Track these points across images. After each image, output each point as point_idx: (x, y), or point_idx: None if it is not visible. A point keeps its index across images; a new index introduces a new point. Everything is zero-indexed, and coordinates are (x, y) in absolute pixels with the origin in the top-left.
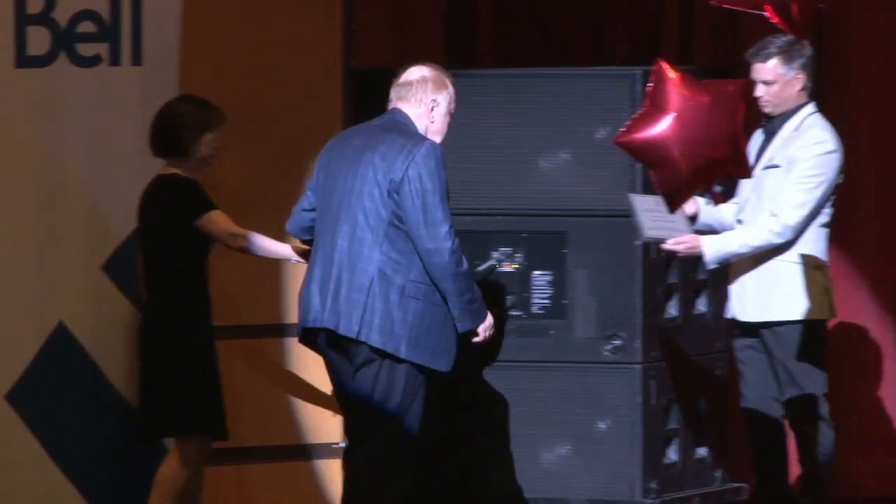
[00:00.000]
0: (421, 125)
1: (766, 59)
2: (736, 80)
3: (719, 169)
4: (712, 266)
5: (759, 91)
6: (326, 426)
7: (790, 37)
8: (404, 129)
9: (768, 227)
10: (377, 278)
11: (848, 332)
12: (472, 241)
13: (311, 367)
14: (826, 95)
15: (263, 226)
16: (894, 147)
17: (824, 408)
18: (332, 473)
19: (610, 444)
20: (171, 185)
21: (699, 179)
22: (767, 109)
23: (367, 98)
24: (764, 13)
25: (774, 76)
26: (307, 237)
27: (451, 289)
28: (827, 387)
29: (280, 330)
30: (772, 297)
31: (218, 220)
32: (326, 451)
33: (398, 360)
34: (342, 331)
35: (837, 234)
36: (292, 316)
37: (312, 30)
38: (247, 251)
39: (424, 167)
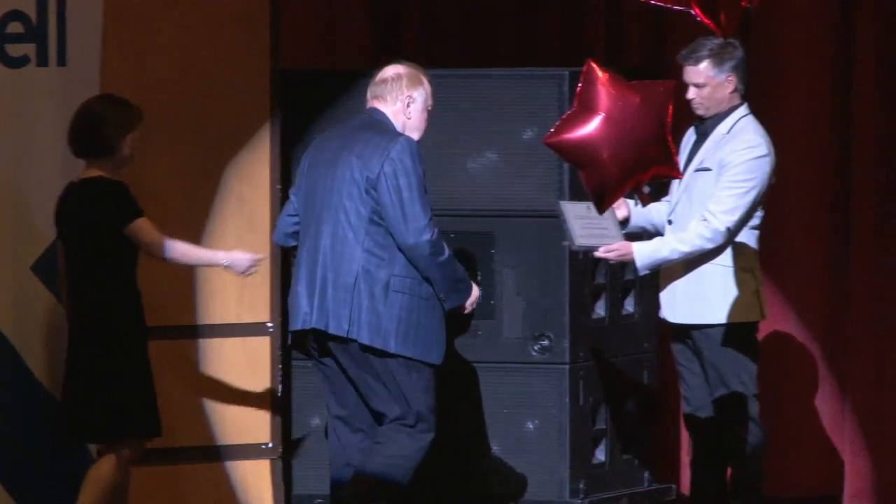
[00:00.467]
0: (398, 122)
1: (696, 61)
2: (665, 81)
3: (649, 170)
4: (644, 273)
5: (691, 94)
6: (255, 427)
7: (721, 39)
8: (380, 127)
9: (700, 232)
10: (361, 275)
11: (778, 334)
12: None
13: (241, 368)
14: (753, 95)
15: (193, 227)
16: (822, 148)
17: (754, 409)
18: (260, 473)
19: (538, 445)
20: (100, 188)
21: (628, 180)
22: (700, 112)
23: (295, 98)
24: (691, 10)
25: (705, 79)
26: (292, 243)
27: (436, 277)
28: (757, 388)
29: (208, 330)
30: (702, 300)
31: (145, 228)
32: (255, 451)
33: (391, 356)
34: (332, 330)
35: (768, 235)
36: (220, 316)
37: (239, 30)
38: (169, 260)
39: (400, 163)
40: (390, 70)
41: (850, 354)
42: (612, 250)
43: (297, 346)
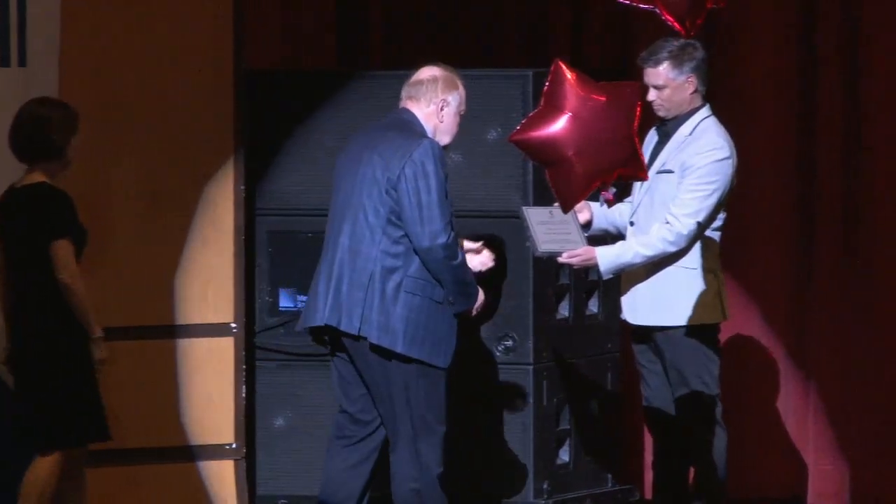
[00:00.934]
0: (430, 124)
1: (656, 63)
2: (633, 82)
3: (614, 170)
4: (608, 277)
5: (652, 95)
6: (219, 427)
7: (682, 40)
8: (406, 128)
9: (662, 236)
10: (377, 274)
11: (742, 334)
12: None
13: (204, 368)
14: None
15: (157, 226)
16: (784, 148)
17: (717, 410)
18: (224, 474)
19: (502, 445)
20: (43, 196)
21: (593, 180)
22: (661, 113)
23: (260, 98)
24: (655, 9)
25: (665, 80)
26: None
27: (448, 279)
28: (719, 389)
29: (172, 331)
30: (665, 301)
31: (60, 253)
32: (219, 451)
33: (400, 357)
34: (343, 327)
35: (732, 236)
36: (184, 317)
37: (202, 30)
38: (65, 290)
39: (421, 166)
40: (426, 72)
41: (813, 355)
42: (576, 255)
43: (315, 341)
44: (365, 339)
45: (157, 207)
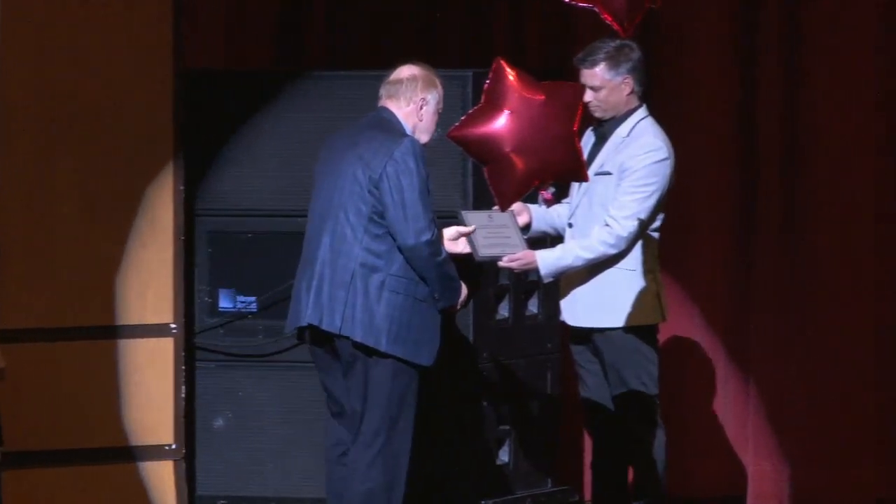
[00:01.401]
0: (409, 123)
1: (592, 64)
2: (574, 83)
3: (553, 169)
4: (548, 280)
5: (588, 96)
6: (159, 428)
7: (618, 41)
8: (386, 127)
9: (603, 238)
10: (358, 273)
11: (682, 335)
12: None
13: (144, 369)
14: (658, 97)
15: (96, 227)
16: (726, 149)
17: (655, 409)
18: (164, 474)
19: (442, 445)
20: None
21: (532, 178)
22: (597, 114)
23: (199, 98)
24: (594, 8)
25: (601, 81)
26: None
27: (433, 276)
28: (658, 388)
29: (111, 331)
30: (605, 303)
31: None
32: (159, 452)
33: (381, 355)
34: (325, 326)
35: (671, 237)
36: (123, 317)
37: (141, 30)
38: None
39: (403, 164)
40: (406, 71)
41: (753, 356)
42: (516, 259)
43: (301, 340)
44: (347, 337)
45: (97, 208)
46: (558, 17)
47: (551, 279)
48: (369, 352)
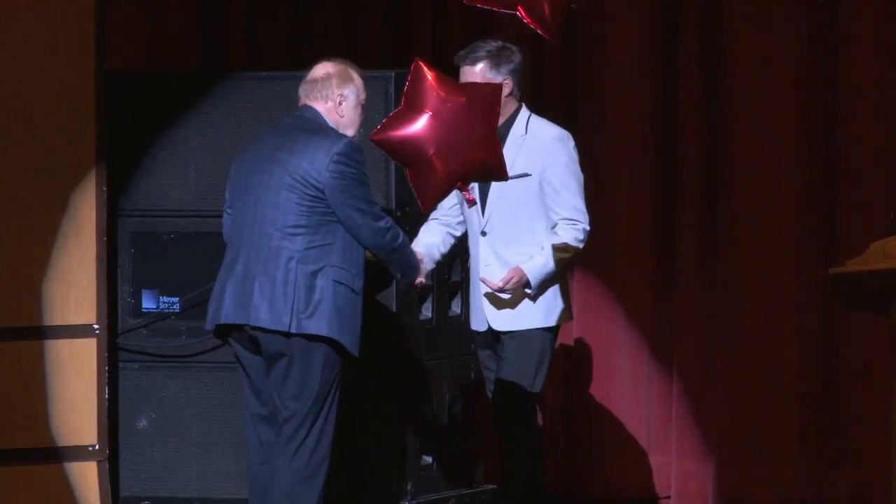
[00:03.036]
0: (331, 120)
1: (473, 62)
2: (493, 83)
3: (475, 170)
4: (535, 292)
5: None
6: (82, 429)
7: (500, 42)
8: (317, 126)
9: (574, 236)
10: (300, 269)
11: (604, 335)
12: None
13: (66, 370)
14: (581, 97)
15: (17, 228)
16: (648, 147)
17: (533, 410)
18: (87, 475)
19: (365, 445)
20: None
21: (454, 180)
22: None
23: (122, 100)
24: (517, 13)
25: (482, 80)
26: None
27: (397, 258)
28: (541, 388)
29: (34, 332)
30: (518, 305)
31: None
32: (82, 453)
33: (314, 347)
34: (272, 325)
35: (592, 238)
36: (46, 318)
37: (63, 31)
38: None
39: (347, 162)
40: (320, 69)
41: (677, 357)
42: (508, 280)
43: (218, 337)
44: (294, 334)
45: (18, 208)
46: (480, 19)
47: (537, 290)
48: (306, 343)
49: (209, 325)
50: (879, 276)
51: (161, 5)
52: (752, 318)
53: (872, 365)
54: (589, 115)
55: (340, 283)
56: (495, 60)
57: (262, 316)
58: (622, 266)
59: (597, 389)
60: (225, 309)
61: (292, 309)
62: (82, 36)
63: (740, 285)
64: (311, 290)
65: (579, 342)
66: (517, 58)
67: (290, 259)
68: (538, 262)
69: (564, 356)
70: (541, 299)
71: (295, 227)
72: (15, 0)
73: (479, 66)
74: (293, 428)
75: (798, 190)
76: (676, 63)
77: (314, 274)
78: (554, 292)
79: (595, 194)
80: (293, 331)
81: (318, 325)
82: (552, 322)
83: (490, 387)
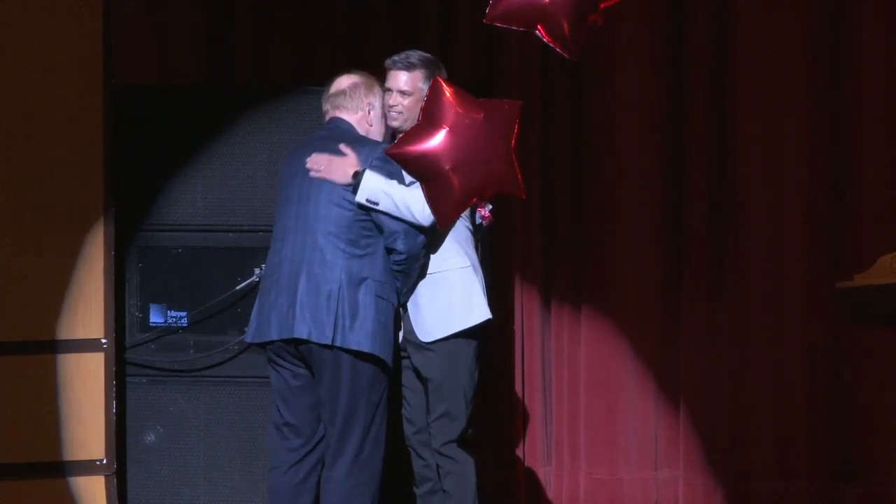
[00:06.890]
0: (363, 130)
1: (409, 68)
2: (512, 100)
3: (492, 187)
4: (359, 200)
5: (394, 100)
6: (90, 443)
7: (429, 54)
8: (353, 138)
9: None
10: (345, 282)
11: (597, 348)
12: (234, 258)
13: (74, 384)
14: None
15: (25, 242)
16: (651, 161)
17: (465, 435)
18: (95, 489)
19: None
20: None
21: (470, 196)
22: (396, 123)
23: (129, 114)
24: (536, 32)
25: (413, 87)
26: None
27: (413, 271)
28: (472, 402)
29: (42, 346)
30: (447, 309)
31: None
32: (90, 467)
33: (362, 363)
34: (315, 338)
35: (602, 248)
36: (54, 332)
37: (71, 45)
38: None
39: (384, 167)
40: (345, 80)
41: (685, 369)
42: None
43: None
44: (339, 348)
45: (27, 223)
46: (488, 34)
47: (363, 201)
48: (358, 359)
49: (253, 339)
50: (887, 291)
51: (168, 20)
52: (761, 332)
53: (882, 379)
54: (594, 131)
55: (382, 298)
56: (430, 70)
57: (305, 328)
58: (630, 279)
59: (604, 402)
60: (273, 324)
61: (335, 323)
62: (90, 51)
63: (749, 299)
64: (354, 303)
65: (587, 353)
66: (444, 74)
67: (332, 271)
68: (380, 181)
69: (571, 367)
70: (461, 297)
71: (337, 238)
72: (23, 15)
73: (416, 73)
74: (338, 450)
75: (807, 203)
76: (682, 61)
77: (357, 287)
78: (474, 288)
79: (600, 207)
80: (337, 344)
81: (361, 340)
82: (476, 319)
83: (407, 402)
